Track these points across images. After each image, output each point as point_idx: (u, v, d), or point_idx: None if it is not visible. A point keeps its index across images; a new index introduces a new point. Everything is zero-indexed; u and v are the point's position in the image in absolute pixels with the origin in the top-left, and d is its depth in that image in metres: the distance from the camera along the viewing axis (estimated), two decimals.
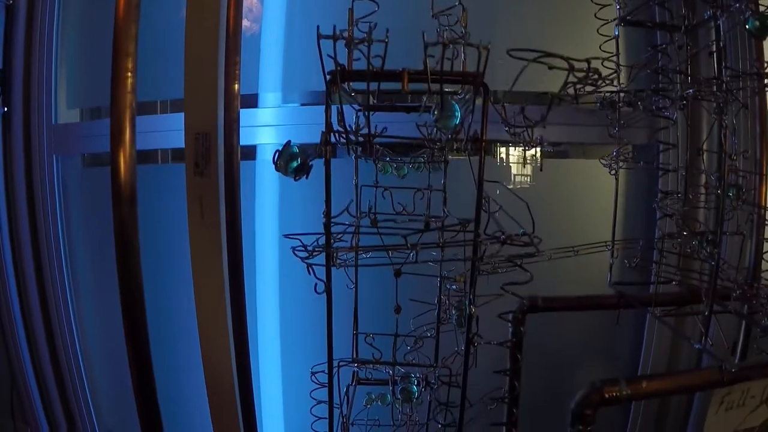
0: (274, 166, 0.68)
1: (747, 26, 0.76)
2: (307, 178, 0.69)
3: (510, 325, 1.07)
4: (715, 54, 0.82)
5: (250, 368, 1.08)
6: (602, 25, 1.05)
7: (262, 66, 1.35)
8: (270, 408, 1.49)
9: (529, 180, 1.45)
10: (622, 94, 1.07)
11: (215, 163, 1.03)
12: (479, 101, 0.68)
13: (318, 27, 0.60)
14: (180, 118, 1.33)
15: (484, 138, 0.69)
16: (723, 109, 0.79)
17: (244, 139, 1.03)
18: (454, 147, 0.73)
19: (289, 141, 0.68)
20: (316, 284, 0.72)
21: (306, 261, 0.71)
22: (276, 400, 1.49)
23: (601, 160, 1.10)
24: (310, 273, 0.71)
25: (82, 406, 1.57)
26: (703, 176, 1.09)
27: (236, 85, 1.06)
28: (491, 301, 0.86)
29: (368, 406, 1.06)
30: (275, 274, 1.46)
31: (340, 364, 0.95)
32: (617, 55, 1.06)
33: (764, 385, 0.82)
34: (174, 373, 1.28)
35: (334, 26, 0.62)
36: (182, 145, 1.28)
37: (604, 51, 1.05)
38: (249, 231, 1.23)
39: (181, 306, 1.27)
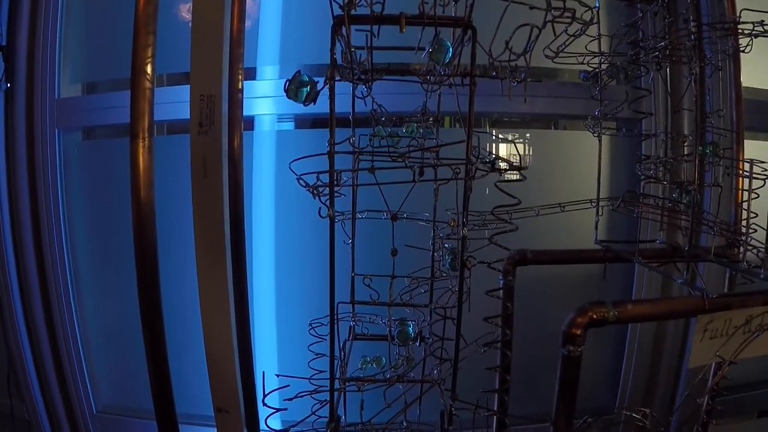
0: (285, 93, 0.73)
1: None
2: (314, 103, 0.74)
3: (500, 277, 1.11)
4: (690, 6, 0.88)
5: (250, 322, 1.11)
6: None
7: (261, 40, 1.41)
8: (265, 362, 1.51)
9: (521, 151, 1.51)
10: (603, 62, 1.14)
11: (219, 123, 1.07)
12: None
13: None
14: (176, 90, 1.38)
15: (473, 73, 0.75)
16: (695, 55, 0.85)
17: (243, 110, 1.08)
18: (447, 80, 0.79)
19: (299, 70, 0.74)
20: (320, 208, 0.76)
21: (311, 188, 0.75)
22: (271, 356, 1.52)
23: (585, 123, 1.15)
24: (315, 197, 0.75)
25: (79, 384, 1.57)
26: (683, 135, 1.15)
27: (240, 49, 1.11)
28: (483, 248, 0.91)
29: (363, 368, 1.09)
30: (271, 247, 1.49)
31: (339, 304, 0.99)
32: (598, 23, 1.13)
33: (746, 314, 0.87)
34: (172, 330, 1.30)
35: None
36: (179, 116, 1.33)
37: (582, 21, 1.12)
38: (246, 197, 1.26)
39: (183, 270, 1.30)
